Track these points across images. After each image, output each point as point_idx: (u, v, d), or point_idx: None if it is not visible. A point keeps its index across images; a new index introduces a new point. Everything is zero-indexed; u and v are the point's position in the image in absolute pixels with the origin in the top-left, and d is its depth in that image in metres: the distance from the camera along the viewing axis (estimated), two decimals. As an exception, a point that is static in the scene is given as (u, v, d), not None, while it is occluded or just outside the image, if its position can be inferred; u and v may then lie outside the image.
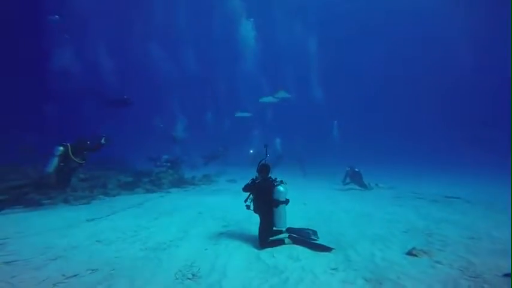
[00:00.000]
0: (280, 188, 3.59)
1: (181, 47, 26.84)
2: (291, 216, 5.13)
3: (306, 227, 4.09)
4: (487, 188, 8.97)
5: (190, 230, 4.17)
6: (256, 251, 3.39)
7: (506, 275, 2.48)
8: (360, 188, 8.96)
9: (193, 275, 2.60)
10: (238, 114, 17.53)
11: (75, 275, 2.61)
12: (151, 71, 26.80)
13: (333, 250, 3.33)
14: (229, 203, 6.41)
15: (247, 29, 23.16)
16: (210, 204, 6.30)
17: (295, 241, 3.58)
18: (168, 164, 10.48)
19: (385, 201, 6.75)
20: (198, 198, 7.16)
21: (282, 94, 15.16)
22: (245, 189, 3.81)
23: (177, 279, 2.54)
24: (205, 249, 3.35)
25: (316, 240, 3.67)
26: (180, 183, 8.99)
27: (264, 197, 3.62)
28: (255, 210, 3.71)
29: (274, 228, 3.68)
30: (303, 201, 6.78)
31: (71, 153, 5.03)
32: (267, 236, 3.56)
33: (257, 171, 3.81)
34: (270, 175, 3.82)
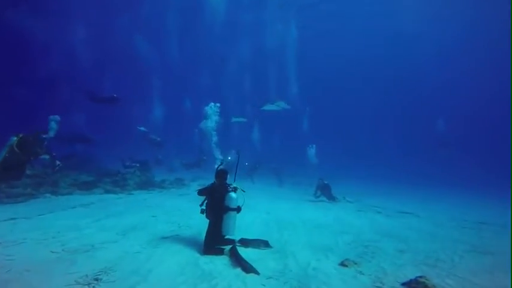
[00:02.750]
0: (232, 194, 3.60)
1: (169, 42, 26.37)
2: (251, 223, 5.20)
3: (259, 238, 4.13)
4: (440, 204, 9.64)
5: (131, 233, 4.06)
6: (197, 256, 3.36)
7: (403, 284, 2.65)
8: (328, 200, 9.14)
9: (96, 279, 2.49)
10: (234, 119, 17.60)
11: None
12: (137, 65, 25.95)
13: (275, 259, 3.40)
14: (191, 208, 6.29)
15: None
16: (170, 208, 6.18)
17: (232, 255, 3.47)
18: (137, 165, 10.19)
19: (346, 214, 6.96)
20: (159, 201, 7.01)
21: (282, 105, 15.42)
22: (200, 193, 3.80)
23: (77, 283, 2.41)
24: (137, 252, 3.27)
25: (266, 249, 3.77)
26: (147, 185, 8.75)
27: (216, 203, 3.62)
28: (207, 215, 3.70)
29: (226, 237, 3.65)
30: (267, 210, 6.83)
31: (15, 146, 4.77)
32: (213, 243, 3.54)
33: (215, 176, 3.82)
34: (226, 181, 3.81)
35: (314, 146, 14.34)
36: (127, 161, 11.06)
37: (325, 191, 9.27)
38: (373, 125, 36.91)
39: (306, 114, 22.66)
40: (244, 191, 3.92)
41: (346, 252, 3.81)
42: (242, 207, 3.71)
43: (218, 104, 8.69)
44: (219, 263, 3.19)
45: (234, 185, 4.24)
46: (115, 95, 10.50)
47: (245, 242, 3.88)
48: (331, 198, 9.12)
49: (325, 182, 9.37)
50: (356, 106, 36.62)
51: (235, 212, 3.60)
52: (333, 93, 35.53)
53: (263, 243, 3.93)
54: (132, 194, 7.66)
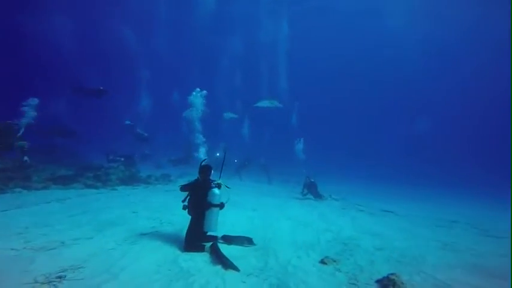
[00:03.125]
0: (215, 190, 3.54)
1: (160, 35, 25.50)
2: (237, 220, 5.18)
3: (243, 235, 4.10)
4: (426, 203, 10.01)
5: (108, 229, 3.92)
6: (177, 253, 3.29)
7: (377, 281, 2.72)
8: (314, 198, 9.26)
9: (60, 277, 2.37)
10: (227, 115, 17.39)
11: None
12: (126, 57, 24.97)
13: (257, 256, 3.38)
14: (176, 204, 6.10)
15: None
16: (153, 204, 6.03)
17: (212, 252, 3.41)
18: (122, 159, 9.87)
19: (330, 212, 7.08)
20: (143, 196, 6.82)
21: (275, 103, 15.36)
22: (183, 188, 3.71)
23: (36, 282, 2.28)
24: (112, 249, 3.16)
25: (249, 246, 3.76)
26: (131, 180, 8.48)
27: (198, 199, 3.55)
28: (189, 212, 3.62)
29: (209, 233, 3.61)
30: (253, 207, 6.82)
31: None
32: (194, 239, 3.47)
33: (198, 172, 3.74)
34: (210, 177, 3.74)
35: (302, 139, 14.36)
36: (111, 155, 10.69)
37: (311, 189, 9.40)
38: (371, 124, 37.16)
39: (295, 109, 22.67)
40: (228, 187, 3.88)
41: (326, 250, 3.87)
42: (227, 204, 3.67)
43: (204, 92, 8.21)
44: (199, 260, 3.14)
45: (219, 181, 4.20)
46: (101, 88, 10.05)
47: (228, 239, 3.86)
48: (318, 196, 9.26)
49: (312, 180, 9.48)
50: (349, 103, 36.70)
51: (218, 209, 3.55)
52: (324, 89, 35.52)
53: (247, 240, 3.92)
54: (115, 189, 7.41)
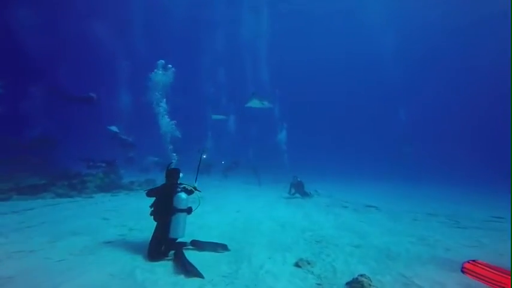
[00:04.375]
0: (182, 195, 3.38)
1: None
2: (219, 223, 5.01)
3: (222, 239, 3.95)
4: (404, 197, 10.24)
5: (67, 239, 3.63)
6: (137, 263, 3.05)
7: (347, 283, 2.59)
8: (301, 197, 9.20)
9: None
10: (214, 116, 17.11)
11: None
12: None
13: (230, 262, 3.22)
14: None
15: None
16: (129, 210, 5.76)
17: (176, 260, 3.18)
18: (103, 165, 9.47)
19: (315, 210, 6.99)
20: (121, 203, 6.51)
21: (266, 104, 15.19)
22: (148, 193, 3.52)
23: None
24: (60, 261, 2.88)
25: (223, 251, 3.58)
26: (111, 187, 8.12)
27: (164, 204, 3.38)
28: (154, 218, 3.41)
29: (178, 240, 3.41)
30: (238, 209, 6.66)
31: None
32: (159, 247, 3.26)
33: (165, 175, 3.60)
34: (178, 181, 3.61)
35: (284, 125, 14.13)
36: (91, 161, 10.26)
37: (299, 188, 9.34)
38: (355, 119, 37.06)
39: (276, 98, 22.36)
40: (200, 191, 3.72)
41: (304, 251, 3.73)
42: (199, 207, 3.54)
43: (171, 67, 6.44)
44: (161, 270, 2.91)
45: (195, 185, 4.03)
46: (92, 94, 9.69)
47: (199, 245, 3.65)
48: (305, 194, 9.21)
49: (298, 180, 9.47)
50: (333, 100, 36.40)
51: (185, 214, 3.37)
52: (305, 87, 35.13)
53: (221, 246, 3.73)
54: (92, 197, 7.05)
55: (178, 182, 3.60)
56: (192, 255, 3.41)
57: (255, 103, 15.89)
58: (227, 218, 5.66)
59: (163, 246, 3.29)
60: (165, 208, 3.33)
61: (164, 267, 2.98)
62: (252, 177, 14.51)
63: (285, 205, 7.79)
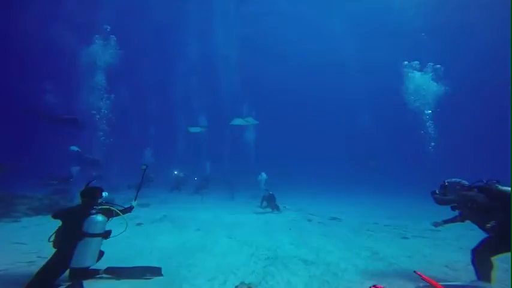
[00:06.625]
0: (97, 217, 2.90)
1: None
2: (167, 244, 4.51)
3: (157, 263, 3.47)
4: (366, 207, 10.61)
5: None
6: None
7: None
8: (272, 210, 8.95)
9: None
10: (191, 129, 16.59)
11: None
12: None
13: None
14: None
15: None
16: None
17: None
18: (55, 182, 8.51)
19: (279, 225, 6.72)
20: (50, 226, 5.61)
21: (251, 120, 15.12)
22: (55, 215, 2.97)
23: None
24: None
25: (152, 278, 3.10)
26: (51, 209, 7.06)
27: (68, 227, 2.87)
28: (54, 244, 2.86)
29: (91, 268, 2.90)
30: (199, 227, 6.16)
31: None
32: (44, 282, 2.65)
33: (80, 194, 3.12)
34: (96, 201, 3.12)
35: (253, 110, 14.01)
36: (48, 178, 9.33)
37: (270, 202, 9.13)
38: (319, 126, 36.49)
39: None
40: (129, 211, 3.40)
41: (251, 273, 3.36)
42: (164, 224, 3.31)
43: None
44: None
45: (133, 203, 3.72)
46: (77, 117, 9.04)
47: (116, 272, 3.09)
48: (276, 208, 8.99)
49: (270, 193, 9.31)
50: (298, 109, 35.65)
51: (99, 239, 2.89)
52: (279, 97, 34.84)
53: (152, 271, 3.23)
54: (18, 221, 6.04)
55: (100, 202, 3.14)
56: (111, 285, 2.91)
57: (238, 121, 15.86)
58: (181, 237, 5.15)
59: (55, 279, 2.72)
60: (68, 232, 2.82)
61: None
62: (227, 192, 13.97)
63: (252, 220, 7.42)
